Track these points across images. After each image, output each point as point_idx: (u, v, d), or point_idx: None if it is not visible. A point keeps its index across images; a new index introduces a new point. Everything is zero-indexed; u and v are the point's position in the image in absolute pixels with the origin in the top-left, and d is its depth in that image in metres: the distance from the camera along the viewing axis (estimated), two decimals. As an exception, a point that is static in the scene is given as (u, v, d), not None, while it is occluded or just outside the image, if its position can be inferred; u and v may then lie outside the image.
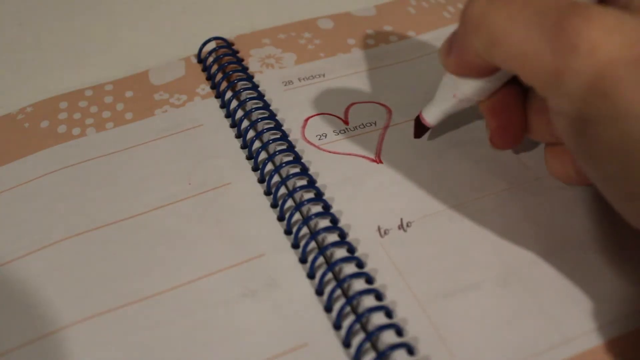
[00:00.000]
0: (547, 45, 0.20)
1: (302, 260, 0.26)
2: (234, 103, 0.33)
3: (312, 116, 0.32)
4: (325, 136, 0.31)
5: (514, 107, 0.26)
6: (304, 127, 0.32)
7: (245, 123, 0.32)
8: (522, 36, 0.21)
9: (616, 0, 0.21)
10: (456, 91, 0.26)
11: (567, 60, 0.20)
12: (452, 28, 0.25)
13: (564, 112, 0.21)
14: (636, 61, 0.19)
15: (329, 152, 0.30)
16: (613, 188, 0.21)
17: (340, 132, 0.31)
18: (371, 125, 0.31)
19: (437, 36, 0.37)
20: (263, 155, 0.30)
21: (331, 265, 0.25)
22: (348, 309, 0.24)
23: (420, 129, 0.29)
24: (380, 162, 0.30)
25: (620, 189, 0.20)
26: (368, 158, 0.30)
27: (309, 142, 0.31)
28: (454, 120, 0.31)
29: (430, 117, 0.28)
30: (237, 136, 0.31)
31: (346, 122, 0.32)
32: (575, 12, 0.20)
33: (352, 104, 0.33)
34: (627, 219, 0.21)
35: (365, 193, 0.28)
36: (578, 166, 0.24)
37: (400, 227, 0.27)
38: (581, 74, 0.19)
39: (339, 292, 0.25)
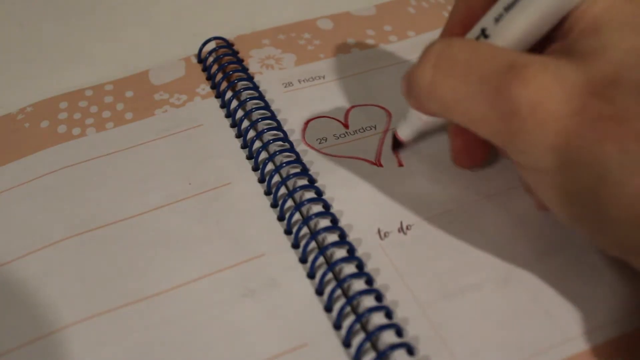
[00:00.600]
0: (492, 113, 0.21)
1: (302, 260, 0.26)
2: (234, 103, 0.33)
3: (312, 119, 0.32)
4: (326, 140, 0.31)
5: None
6: (304, 130, 0.32)
7: (245, 123, 0.32)
8: (468, 105, 0.21)
9: (558, 41, 0.22)
10: (421, 116, 0.27)
11: (512, 123, 0.20)
12: (439, 34, 0.25)
13: (523, 165, 0.22)
14: (578, 112, 0.19)
15: (330, 155, 0.30)
16: (580, 230, 0.22)
17: (340, 135, 0.31)
18: (371, 129, 0.31)
19: (437, 36, 0.37)
20: (263, 155, 0.30)
21: (331, 265, 0.25)
22: (348, 309, 0.24)
23: (396, 142, 0.30)
24: (381, 165, 0.30)
25: (586, 231, 0.21)
26: (368, 161, 0.30)
27: (309, 145, 0.31)
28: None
29: (404, 134, 0.29)
30: (237, 136, 0.31)
31: (346, 126, 0.32)
32: (512, 75, 0.20)
33: (352, 107, 0.33)
34: (602, 249, 0.22)
35: (365, 196, 0.28)
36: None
37: (400, 230, 0.27)
38: (528, 134, 0.20)
39: (339, 292, 0.25)
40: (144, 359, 0.23)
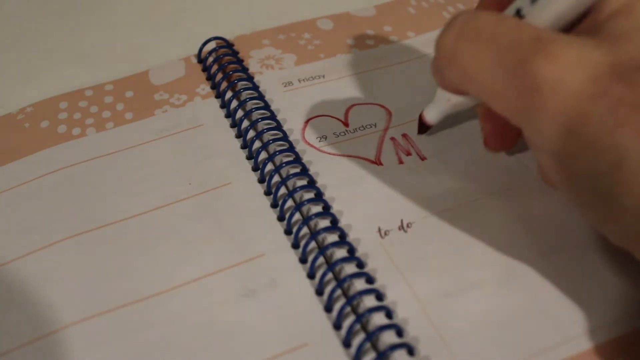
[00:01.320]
0: (511, 86, 0.20)
1: (302, 260, 0.26)
2: (234, 103, 0.33)
3: (312, 118, 0.32)
4: (326, 138, 0.31)
5: None
6: (304, 128, 0.32)
7: (245, 123, 0.32)
8: (488, 75, 0.21)
9: (587, 22, 0.21)
10: (450, 97, 0.27)
11: (531, 99, 0.20)
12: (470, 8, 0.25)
13: (538, 145, 0.21)
14: (599, 95, 0.19)
15: (330, 153, 0.30)
16: (588, 214, 0.21)
17: (340, 134, 0.31)
18: (371, 127, 0.31)
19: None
20: (263, 155, 0.30)
21: (331, 265, 0.25)
22: (348, 309, 0.24)
23: (422, 126, 0.30)
24: (381, 163, 0.30)
25: (593, 215, 0.21)
26: (368, 159, 0.30)
27: (309, 144, 0.31)
28: (453, 120, 0.31)
29: (431, 116, 0.29)
30: (237, 136, 0.31)
31: (346, 124, 0.32)
32: (536, 49, 0.20)
33: (352, 105, 0.33)
34: (607, 237, 0.21)
35: (366, 194, 0.28)
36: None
37: (401, 227, 0.27)
38: (547, 112, 0.20)
39: (339, 292, 0.25)
40: (144, 359, 0.23)
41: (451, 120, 0.30)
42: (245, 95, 0.33)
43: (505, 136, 0.27)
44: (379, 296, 0.25)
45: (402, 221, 0.27)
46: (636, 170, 0.18)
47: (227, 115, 0.32)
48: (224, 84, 0.34)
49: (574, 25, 0.22)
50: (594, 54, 0.19)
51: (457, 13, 0.23)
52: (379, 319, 0.24)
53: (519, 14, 0.22)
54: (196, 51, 0.36)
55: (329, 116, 0.32)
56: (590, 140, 0.19)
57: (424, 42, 0.36)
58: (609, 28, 0.20)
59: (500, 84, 0.21)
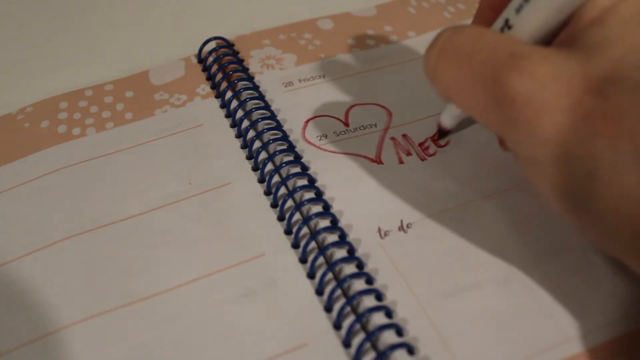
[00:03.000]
0: (489, 101, 0.21)
1: (302, 260, 0.26)
2: (234, 103, 0.33)
3: (312, 118, 0.32)
4: (326, 137, 0.31)
5: None
6: (304, 128, 0.32)
7: (245, 123, 0.32)
8: (467, 93, 0.22)
9: (565, 31, 0.21)
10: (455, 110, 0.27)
11: (508, 113, 0.20)
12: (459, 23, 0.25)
13: (520, 156, 0.22)
14: (573, 107, 0.19)
15: (330, 152, 0.30)
16: (571, 222, 0.22)
17: (340, 133, 0.31)
18: (371, 127, 0.31)
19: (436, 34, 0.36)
20: (263, 155, 0.30)
21: (331, 265, 0.25)
22: (348, 309, 0.24)
23: (441, 131, 0.30)
24: (381, 162, 0.30)
25: (576, 223, 0.21)
26: (368, 158, 0.30)
27: (309, 142, 0.31)
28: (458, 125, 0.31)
29: (446, 121, 0.29)
30: (237, 136, 0.31)
31: (346, 124, 0.32)
32: (510, 65, 0.20)
33: (353, 105, 0.33)
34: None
35: (366, 194, 0.28)
36: None
37: (401, 228, 0.27)
38: (523, 124, 0.20)
39: (339, 292, 0.25)
40: (144, 359, 0.23)
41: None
42: (245, 95, 0.33)
43: None
44: (379, 296, 0.24)
45: (402, 222, 0.27)
46: (609, 180, 0.19)
47: (227, 115, 0.32)
48: (224, 84, 0.34)
49: (556, 35, 0.22)
50: (567, 66, 0.20)
51: (442, 30, 0.23)
52: (378, 318, 0.24)
53: (507, 24, 0.23)
54: (196, 51, 0.36)
55: (330, 116, 0.32)
56: (567, 151, 0.19)
57: (425, 42, 0.36)
58: (584, 38, 0.20)
59: (479, 99, 0.21)
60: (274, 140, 0.30)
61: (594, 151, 0.19)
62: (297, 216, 0.27)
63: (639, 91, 0.18)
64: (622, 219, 0.19)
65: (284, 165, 0.29)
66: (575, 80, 0.19)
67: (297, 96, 0.33)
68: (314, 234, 0.26)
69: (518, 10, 0.22)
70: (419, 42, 0.37)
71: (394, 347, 0.23)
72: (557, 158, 0.20)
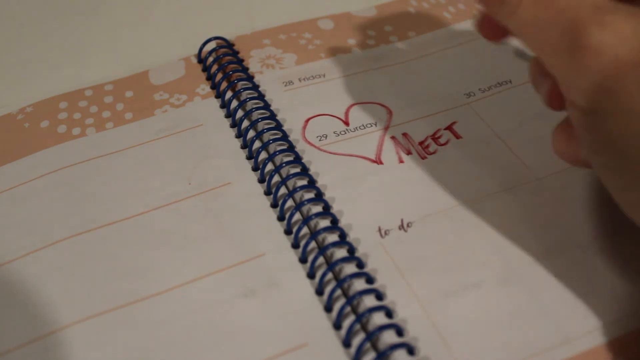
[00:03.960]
0: (563, 46, 0.21)
1: (302, 260, 0.26)
2: (234, 103, 0.33)
3: (312, 117, 0.32)
4: (326, 137, 0.31)
5: None
6: (304, 127, 0.32)
7: (245, 123, 0.32)
8: (543, 35, 0.22)
9: None
10: None
11: (578, 55, 0.20)
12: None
13: (574, 101, 0.21)
14: None
15: (330, 152, 0.30)
16: (613, 178, 0.22)
17: (340, 132, 0.31)
18: (371, 126, 0.31)
19: (438, 36, 0.37)
20: (263, 155, 0.30)
21: (331, 265, 0.25)
22: (348, 309, 0.24)
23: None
24: (381, 162, 0.30)
25: (619, 180, 0.21)
26: (368, 159, 0.30)
27: (309, 142, 0.31)
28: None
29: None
30: (237, 136, 0.31)
31: (346, 123, 0.32)
32: (593, 17, 0.20)
33: (353, 104, 0.33)
34: (623, 208, 0.22)
35: (366, 193, 0.28)
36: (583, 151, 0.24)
37: (401, 227, 0.27)
38: (589, 69, 0.20)
39: (339, 292, 0.25)
40: (144, 359, 0.23)
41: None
42: (245, 95, 0.33)
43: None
44: (379, 296, 0.24)
45: (402, 221, 0.27)
46: None
47: (227, 115, 0.32)
48: (224, 84, 0.34)
49: None
50: None
51: None
52: (378, 318, 0.24)
53: None
54: (196, 51, 0.36)
55: (330, 115, 0.32)
56: (625, 104, 0.20)
57: (425, 42, 0.36)
58: None
59: (553, 43, 0.21)
60: (274, 140, 0.30)
61: None
62: (297, 216, 0.27)
63: None
64: None
65: (284, 165, 0.29)
66: None
67: (297, 96, 0.33)
68: (314, 234, 0.26)
69: None
70: (419, 42, 0.36)
71: (394, 347, 0.23)
72: (615, 110, 0.20)
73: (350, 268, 0.25)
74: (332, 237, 0.26)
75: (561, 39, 0.21)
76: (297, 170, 0.29)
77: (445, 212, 0.27)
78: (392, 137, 0.31)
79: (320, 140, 0.31)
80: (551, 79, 0.26)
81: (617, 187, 0.22)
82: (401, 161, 0.30)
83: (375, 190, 0.28)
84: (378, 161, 0.30)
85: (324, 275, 0.25)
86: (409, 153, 0.30)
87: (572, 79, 0.21)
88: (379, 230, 0.27)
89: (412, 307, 0.24)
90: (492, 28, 0.27)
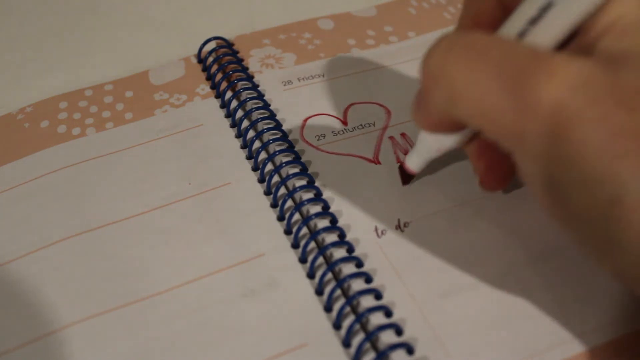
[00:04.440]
0: (507, 103, 0.19)
1: (302, 260, 0.26)
2: (234, 103, 0.33)
3: (310, 116, 0.32)
4: (324, 137, 0.31)
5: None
6: (302, 127, 0.32)
7: (245, 123, 0.32)
8: (481, 92, 0.19)
9: (578, 40, 0.20)
10: (437, 145, 0.25)
11: (527, 119, 0.18)
12: (452, 29, 0.25)
13: (531, 173, 0.20)
14: (599, 120, 0.17)
15: (328, 152, 0.30)
16: (584, 250, 0.20)
17: (338, 132, 0.31)
18: (370, 126, 0.31)
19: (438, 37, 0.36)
20: (263, 155, 0.30)
21: (331, 265, 0.25)
22: (348, 309, 0.24)
23: (406, 176, 0.28)
24: (379, 162, 0.30)
25: (590, 252, 0.20)
26: (366, 159, 0.30)
27: (307, 142, 0.31)
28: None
29: (414, 164, 0.27)
30: (237, 136, 0.31)
31: (345, 123, 0.32)
32: (535, 66, 0.18)
33: (351, 104, 0.33)
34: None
35: (363, 193, 0.28)
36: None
37: (398, 227, 0.27)
38: (544, 135, 0.18)
39: (338, 292, 0.25)
40: (144, 359, 0.23)
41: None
42: (245, 95, 0.33)
43: (501, 171, 0.26)
44: (379, 296, 0.25)
45: (399, 221, 0.27)
46: (635, 207, 0.17)
47: (227, 115, 0.32)
48: (224, 84, 0.34)
49: (563, 46, 0.20)
50: (593, 74, 0.18)
51: (441, 35, 0.21)
52: (378, 318, 0.24)
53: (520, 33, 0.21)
54: (196, 51, 0.36)
55: (328, 115, 0.32)
56: (588, 170, 0.18)
57: (425, 42, 0.36)
58: (602, 48, 0.19)
59: (494, 100, 0.19)
60: (274, 140, 0.30)
61: (621, 173, 0.17)
62: (296, 216, 0.27)
63: None
64: None
65: (283, 165, 0.29)
66: (603, 90, 0.17)
67: (296, 95, 0.33)
68: (314, 234, 0.26)
69: (522, 34, 0.20)
70: (419, 42, 0.37)
71: (394, 346, 0.23)
72: (578, 178, 0.18)
73: (349, 268, 0.25)
74: (332, 237, 0.26)
75: (505, 98, 0.18)
76: (297, 170, 0.29)
77: (441, 213, 0.27)
78: (391, 137, 0.31)
79: (318, 140, 0.31)
80: (483, 163, 0.25)
81: (591, 258, 0.20)
82: (399, 161, 0.30)
83: (372, 191, 0.28)
84: (376, 161, 0.30)
85: (323, 275, 0.25)
86: (406, 153, 0.30)
87: (523, 145, 0.19)
88: (376, 230, 0.27)
89: (408, 307, 0.24)
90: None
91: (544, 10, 0.19)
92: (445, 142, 0.25)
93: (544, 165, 0.19)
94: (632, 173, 0.17)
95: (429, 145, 0.25)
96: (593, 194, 0.18)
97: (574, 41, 0.20)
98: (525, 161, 0.20)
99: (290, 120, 0.32)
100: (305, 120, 0.32)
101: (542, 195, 0.20)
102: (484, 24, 0.23)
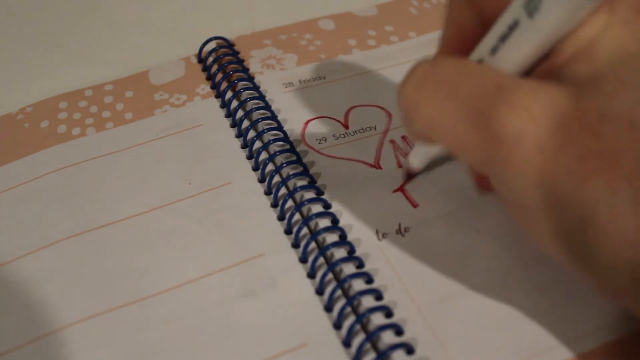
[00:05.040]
0: (475, 136, 0.19)
1: (302, 260, 0.26)
2: (234, 103, 0.33)
3: (312, 119, 0.32)
4: (325, 140, 0.31)
5: None
6: (303, 130, 0.31)
7: (245, 123, 0.32)
8: (452, 125, 0.20)
9: (545, 66, 0.20)
10: (430, 150, 0.26)
11: (496, 151, 0.19)
12: (432, 53, 0.25)
13: (507, 198, 0.20)
14: (565, 146, 0.18)
15: (329, 156, 0.30)
16: (566, 269, 0.21)
17: (340, 136, 0.31)
18: (371, 129, 0.31)
19: (439, 37, 0.36)
20: (263, 155, 0.30)
21: (331, 265, 0.25)
22: (348, 309, 0.24)
23: (409, 175, 0.28)
24: (380, 167, 0.30)
25: (572, 271, 0.20)
26: (367, 163, 0.30)
27: (308, 145, 0.31)
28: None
29: (415, 162, 0.27)
30: (237, 136, 0.31)
31: (346, 126, 0.32)
32: (498, 99, 0.19)
33: (352, 107, 0.33)
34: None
35: (364, 198, 0.28)
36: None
37: (399, 231, 0.27)
38: (512, 164, 0.19)
39: (339, 292, 0.25)
40: (144, 358, 0.23)
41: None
42: (245, 95, 0.33)
43: None
44: (379, 296, 0.24)
45: (399, 225, 0.27)
46: (606, 226, 0.17)
47: (227, 115, 0.32)
48: (224, 84, 0.34)
49: (531, 70, 0.21)
50: (557, 101, 0.18)
51: (417, 62, 0.22)
52: (378, 319, 0.24)
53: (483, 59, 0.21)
54: (196, 51, 0.36)
55: (329, 118, 0.32)
56: (559, 194, 0.18)
57: (426, 42, 0.36)
58: (569, 73, 0.19)
59: (464, 134, 0.20)
60: (275, 140, 0.30)
61: (590, 194, 0.17)
62: (297, 216, 0.27)
63: (636, 130, 0.17)
64: (621, 265, 0.17)
65: (284, 165, 0.29)
66: (567, 116, 0.18)
67: (297, 97, 0.33)
68: (314, 234, 0.26)
69: (494, 50, 0.21)
70: (420, 42, 0.37)
71: (394, 347, 0.23)
72: (549, 203, 0.18)
73: (350, 268, 0.25)
74: (332, 237, 0.26)
75: (474, 132, 0.19)
76: (298, 170, 0.29)
77: (442, 217, 0.27)
78: (392, 141, 0.31)
79: (319, 143, 0.31)
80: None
81: (574, 275, 0.20)
82: (399, 165, 0.30)
83: (373, 194, 0.28)
84: (377, 166, 0.30)
85: (324, 275, 0.25)
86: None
87: (495, 174, 0.19)
88: (377, 233, 0.27)
89: (409, 309, 0.24)
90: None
91: (511, 29, 0.20)
92: (435, 149, 0.25)
93: (517, 193, 0.19)
94: (600, 193, 0.17)
95: (423, 149, 0.26)
96: (566, 217, 0.18)
97: (542, 65, 0.20)
98: (499, 186, 0.20)
99: (291, 122, 0.32)
100: (307, 122, 0.32)
101: (519, 220, 0.21)
102: (465, 36, 0.23)
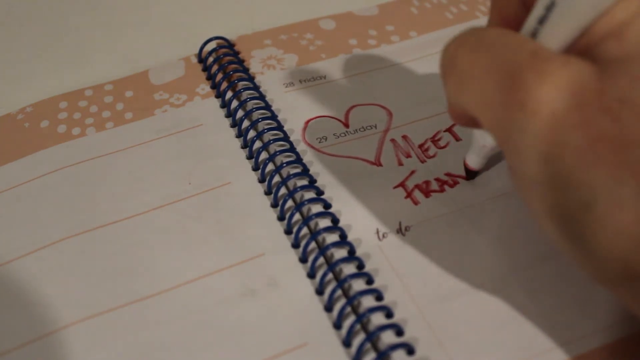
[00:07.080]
0: (500, 97, 0.19)
1: (302, 260, 0.26)
2: (235, 103, 0.33)
3: (312, 118, 0.32)
4: (326, 139, 0.31)
5: None
6: (304, 129, 0.31)
7: (245, 123, 0.32)
8: (480, 84, 0.20)
9: (580, 43, 0.20)
10: (484, 142, 0.26)
11: (515, 116, 0.19)
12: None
13: (515, 168, 0.20)
14: (581, 126, 0.17)
15: (329, 154, 0.30)
16: (561, 250, 0.20)
17: (340, 135, 0.31)
18: (372, 128, 0.31)
19: (440, 37, 0.36)
20: (263, 155, 0.30)
21: (331, 265, 0.25)
22: (348, 309, 0.24)
23: (468, 172, 0.29)
24: (380, 164, 0.30)
25: (566, 253, 0.20)
26: (368, 161, 0.30)
27: (309, 144, 0.31)
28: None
29: (473, 162, 0.28)
30: (237, 136, 0.31)
31: (347, 125, 0.32)
32: (530, 65, 0.19)
33: (353, 106, 0.33)
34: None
35: (365, 197, 0.28)
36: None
37: (399, 231, 0.27)
38: (528, 133, 0.18)
39: (339, 292, 0.25)
40: (144, 358, 0.23)
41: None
42: (245, 95, 0.33)
43: None
44: (380, 296, 0.24)
45: (400, 224, 0.27)
46: (606, 214, 0.17)
47: (227, 115, 0.32)
48: (224, 84, 0.34)
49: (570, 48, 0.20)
50: (585, 78, 0.18)
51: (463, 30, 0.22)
52: (378, 318, 0.24)
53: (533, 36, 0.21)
54: (196, 51, 0.36)
55: (330, 117, 0.32)
56: (565, 173, 0.18)
57: (427, 42, 0.36)
58: (600, 52, 0.19)
59: (490, 93, 0.19)
60: (275, 140, 0.30)
61: (595, 180, 0.17)
62: (297, 216, 0.27)
63: None
64: (614, 254, 0.17)
65: (284, 165, 0.29)
66: (590, 95, 0.18)
67: (297, 97, 0.33)
68: (314, 234, 0.26)
69: (534, 34, 0.21)
70: (421, 42, 0.36)
71: (394, 347, 0.23)
72: (554, 180, 0.18)
73: (350, 268, 0.25)
74: (332, 237, 0.26)
75: (498, 93, 0.19)
76: (298, 170, 0.29)
77: (443, 216, 0.27)
78: (392, 140, 0.31)
79: (320, 142, 0.31)
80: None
81: (568, 259, 0.20)
82: (400, 164, 0.30)
83: (374, 193, 0.28)
84: (377, 163, 0.30)
85: (324, 275, 0.25)
86: (408, 156, 0.30)
87: (510, 141, 0.19)
88: (377, 232, 0.27)
89: (409, 309, 0.24)
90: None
91: (549, 9, 0.20)
92: (487, 138, 0.26)
93: (526, 164, 0.19)
94: (604, 180, 0.17)
95: (476, 140, 0.27)
96: (568, 197, 0.18)
97: (577, 42, 0.20)
98: (512, 155, 0.20)
99: (291, 121, 0.32)
100: (307, 122, 0.32)
101: (523, 193, 0.20)
102: (510, 22, 0.23)
